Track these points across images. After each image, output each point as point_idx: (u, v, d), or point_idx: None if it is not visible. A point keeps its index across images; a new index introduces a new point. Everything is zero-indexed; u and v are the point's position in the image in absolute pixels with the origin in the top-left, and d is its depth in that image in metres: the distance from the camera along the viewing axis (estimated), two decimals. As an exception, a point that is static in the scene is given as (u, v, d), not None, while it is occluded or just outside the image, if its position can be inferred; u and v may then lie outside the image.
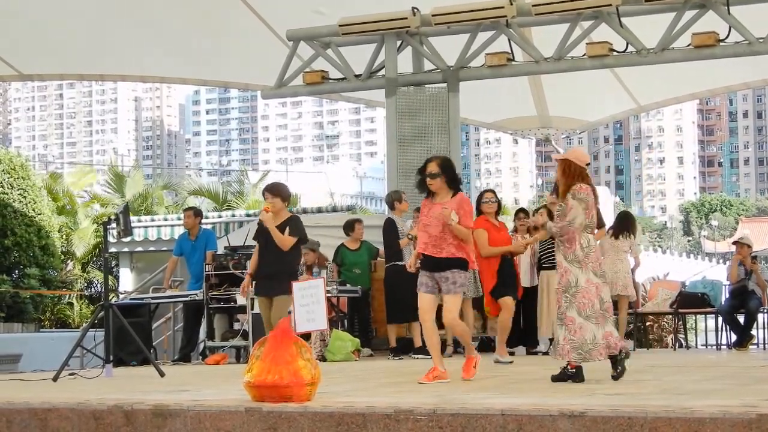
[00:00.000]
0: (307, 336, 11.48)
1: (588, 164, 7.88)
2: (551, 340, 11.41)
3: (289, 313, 10.81)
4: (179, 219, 19.30)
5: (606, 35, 14.00)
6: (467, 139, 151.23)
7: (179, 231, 17.97)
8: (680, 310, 14.29)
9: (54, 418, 6.43)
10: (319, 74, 15.32)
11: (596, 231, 11.42)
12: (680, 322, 14.87)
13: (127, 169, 42.11)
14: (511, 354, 11.27)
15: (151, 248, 21.62)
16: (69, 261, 30.30)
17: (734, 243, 14.36)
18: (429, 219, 8.08)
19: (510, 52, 14.48)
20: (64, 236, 30.15)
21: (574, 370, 7.65)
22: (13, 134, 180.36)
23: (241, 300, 12.29)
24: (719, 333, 14.39)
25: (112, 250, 21.91)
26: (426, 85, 14.89)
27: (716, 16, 13.36)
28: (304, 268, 13.06)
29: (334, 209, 21.70)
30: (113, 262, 24.99)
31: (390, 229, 12.61)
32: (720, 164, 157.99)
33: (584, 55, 14.12)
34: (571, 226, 7.68)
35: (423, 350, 11.11)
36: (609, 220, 13.19)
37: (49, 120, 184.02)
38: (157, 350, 14.04)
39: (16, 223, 26.43)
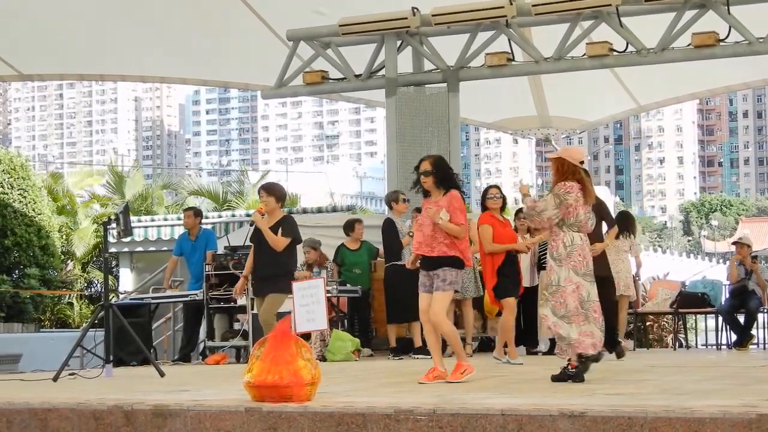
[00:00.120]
0: (307, 336, 11.49)
1: (582, 162, 7.88)
2: (552, 340, 11.42)
3: (288, 313, 10.82)
4: (179, 219, 19.30)
5: (606, 35, 14.00)
6: (467, 139, 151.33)
7: (179, 231, 17.97)
8: (680, 310, 14.30)
9: (54, 418, 6.43)
10: (319, 74, 15.32)
11: (609, 231, 11.53)
12: (680, 322, 14.87)
13: (127, 169, 42.10)
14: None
15: (151, 248, 21.61)
16: (69, 261, 30.29)
17: (734, 243, 14.36)
18: (423, 218, 8.13)
19: (510, 52, 14.48)
20: (64, 236, 30.15)
21: (574, 370, 7.66)
22: (13, 134, 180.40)
23: (241, 300, 12.29)
24: (719, 333, 14.39)
25: (112, 250, 21.90)
26: (426, 85, 14.89)
27: (716, 16, 13.35)
28: (305, 267, 13.07)
29: (334, 209, 21.69)
30: (113, 262, 24.99)
31: (389, 230, 12.62)
32: (720, 164, 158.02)
33: (584, 55, 14.12)
34: (538, 215, 7.76)
35: (423, 350, 11.12)
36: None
37: (49, 120, 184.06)
38: (157, 350, 14.05)
39: (16, 223, 26.43)
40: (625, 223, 13.12)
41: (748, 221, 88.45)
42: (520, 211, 12.96)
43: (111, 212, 27.41)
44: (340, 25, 14.72)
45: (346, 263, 13.42)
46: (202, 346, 13.62)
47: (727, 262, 15.74)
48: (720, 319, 14.23)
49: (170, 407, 6.20)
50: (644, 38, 13.73)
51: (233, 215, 22.41)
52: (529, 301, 12.27)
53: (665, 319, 16.37)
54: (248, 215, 10.46)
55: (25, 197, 26.98)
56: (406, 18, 14.46)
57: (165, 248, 19.54)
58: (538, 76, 16.82)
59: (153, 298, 13.60)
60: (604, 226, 11.36)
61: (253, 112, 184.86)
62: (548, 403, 5.76)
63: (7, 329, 23.78)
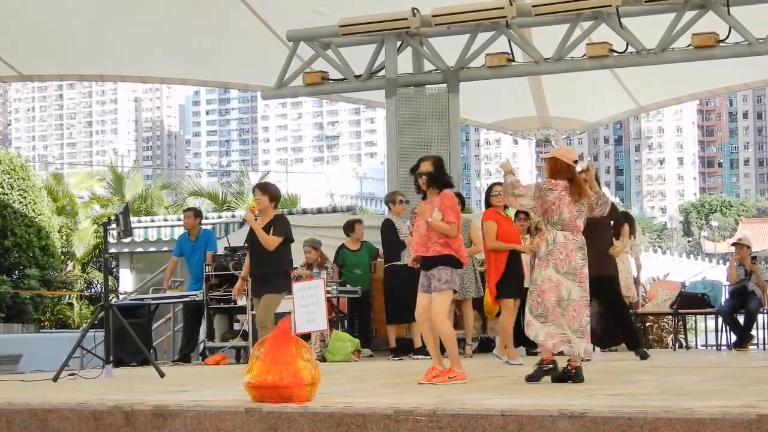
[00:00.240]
0: (307, 336, 11.49)
1: (576, 161, 7.92)
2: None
3: (288, 313, 10.82)
4: (179, 219, 19.30)
5: (606, 36, 14.00)
6: (467, 140, 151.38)
7: (179, 231, 17.97)
8: (680, 311, 14.28)
9: (54, 418, 6.43)
10: (319, 75, 15.32)
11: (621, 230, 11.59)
12: (680, 323, 14.87)
13: (127, 169, 42.10)
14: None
15: (151, 249, 21.62)
16: (69, 261, 30.30)
17: (733, 244, 14.35)
18: (419, 220, 8.16)
19: (510, 52, 14.48)
20: (64, 237, 30.16)
21: (574, 370, 7.67)
22: (13, 135, 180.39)
23: (240, 301, 12.29)
24: (719, 333, 14.38)
25: (112, 250, 21.90)
26: (426, 86, 14.89)
27: (716, 17, 13.36)
28: (305, 267, 13.07)
29: (334, 210, 21.68)
30: (113, 263, 24.99)
31: (388, 230, 12.62)
32: (720, 165, 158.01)
33: (584, 55, 14.12)
34: (513, 196, 7.94)
35: (423, 351, 11.11)
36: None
37: (49, 120, 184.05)
38: (157, 351, 14.05)
39: (16, 224, 26.44)
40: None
41: (748, 222, 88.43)
42: (520, 211, 12.96)
43: (111, 213, 27.41)
44: (340, 26, 14.73)
45: (347, 264, 13.41)
46: (202, 346, 13.63)
47: (727, 263, 15.73)
48: (720, 319, 14.23)
49: (170, 407, 6.20)
50: (644, 39, 13.73)
51: (233, 216, 22.40)
52: (529, 302, 12.25)
53: (665, 320, 16.36)
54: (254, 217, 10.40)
55: (25, 198, 26.98)
56: (406, 18, 14.46)
57: (165, 249, 19.55)
58: (538, 77, 16.83)
59: (153, 298, 13.60)
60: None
61: (253, 113, 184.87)
62: (548, 403, 5.76)
63: (7, 329, 23.80)
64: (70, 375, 9.52)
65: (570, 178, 7.86)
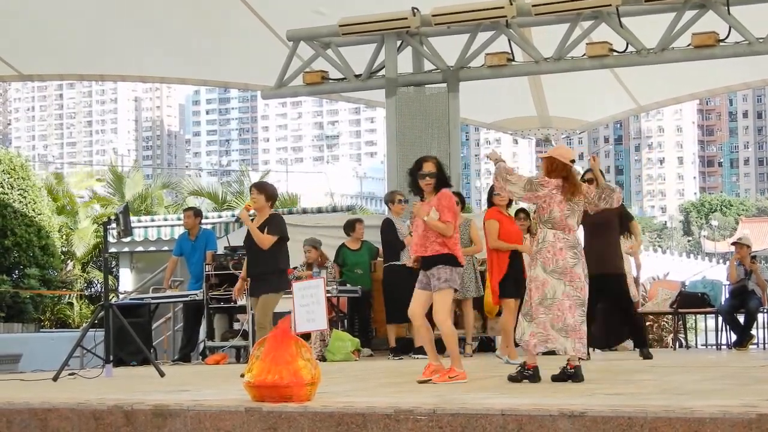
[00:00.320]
0: (307, 336, 11.49)
1: (573, 161, 7.95)
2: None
3: (288, 313, 10.83)
4: (179, 219, 19.30)
5: (606, 35, 14.00)
6: (467, 140, 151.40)
7: (179, 231, 17.97)
8: (680, 310, 14.28)
9: (54, 418, 6.43)
10: (319, 74, 15.32)
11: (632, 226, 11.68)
12: (680, 322, 14.87)
13: (127, 169, 42.09)
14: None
15: (151, 248, 21.62)
16: (69, 261, 30.30)
17: (733, 243, 14.35)
18: (418, 220, 8.17)
19: (510, 52, 14.48)
20: (64, 236, 30.16)
21: (573, 369, 7.69)
22: (13, 134, 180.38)
23: (241, 300, 12.29)
24: (719, 333, 14.38)
25: (112, 250, 21.90)
26: (426, 86, 14.89)
27: (716, 16, 13.35)
28: (305, 266, 13.06)
29: (334, 209, 21.68)
30: (113, 262, 24.99)
31: (388, 230, 12.62)
32: (720, 164, 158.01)
33: (584, 55, 14.12)
34: (504, 182, 7.92)
35: (423, 350, 11.09)
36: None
37: (49, 120, 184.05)
38: (157, 350, 14.05)
39: (16, 224, 26.43)
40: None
41: (747, 221, 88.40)
42: (520, 211, 12.98)
43: (111, 212, 27.42)
44: (340, 25, 14.72)
45: (348, 263, 13.41)
46: (202, 346, 13.63)
47: (727, 263, 15.74)
48: (720, 319, 14.23)
49: (170, 407, 6.20)
50: (644, 38, 13.73)
51: (233, 216, 22.38)
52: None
53: (665, 319, 16.36)
54: (248, 215, 10.37)
55: (25, 197, 26.98)
56: (406, 18, 14.46)
57: (165, 248, 19.55)
58: (538, 77, 16.82)
59: (153, 298, 13.60)
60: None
61: (253, 112, 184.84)
62: (548, 403, 5.76)
63: (7, 329, 23.79)
64: (70, 374, 9.52)
65: (565, 177, 7.87)
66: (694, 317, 15.93)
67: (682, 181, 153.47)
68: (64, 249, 29.86)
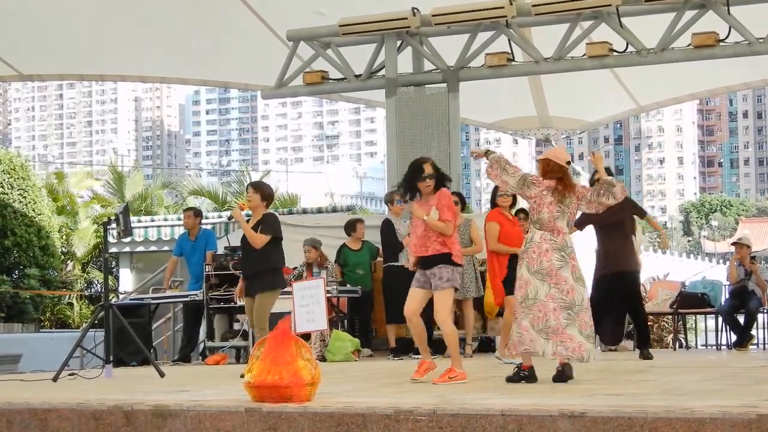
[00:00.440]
0: (307, 336, 11.49)
1: (568, 162, 7.96)
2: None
3: (288, 313, 10.81)
4: (179, 219, 19.30)
5: (606, 35, 14.00)
6: (467, 140, 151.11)
7: (179, 231, 17.97)
8: (680, 310, 14.29)
9: (54, 418, 6.43)
10: (319, 74, 15.32)
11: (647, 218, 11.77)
12: (680, 322, 14.87)
13: (127, 169, 42.09)
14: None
15: (152, 248, 21.62)
16: (69, 261, 30.31)
17: (733, 244, 14.36)
18: (416, 220, 8.19)
19: (510, 52, 14.48)
20: (64, 236, 30.16)
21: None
22: (13, 134, 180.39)
23: (241, 301, 12.28)
24: (719, 333, 14.38)
25: (112, 250, 21.90)
26: (426, 86, 14.88)
27: (716, 16, 13.35)
28: (305, 266, 13.06)
29: (334, 209, 21.68)
30: (113, 263, 24.99)
31: (387, 230, 12.62)
32: (720, 164, 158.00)
33: (584, 55, 14.12)
34: (501, 170, 7.92)
35: (423, 350, 11.11)
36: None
37: (49, 120, 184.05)
38: (157, 350, 14.05)
39: (16, 224, 26.45)
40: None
41: (748, 221, 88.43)
42: (520, 211, 12.98)
43: (111, 212, 27.42)
44: (340, 25, 14.72)
45: (349, 263, 13.40)
46: (202, 346, 13.63)
47: (727, 263, 15.74)
48: (720, 319, 14.23)
49: (170, 407, 6.20)
50: (644, 38, 13.73)
51: (229, 216, 22.36)
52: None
53: (665, 320, 16.36)
54: (248, 215, 10.36)
55: (25, 197, 26.99)
56: (406, 18, 14.46)
57: (165, 248, 19.54)
58: (538, 77, 16.82)
59: (153, 298, 13.60)
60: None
61: (253, 112, 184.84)
62: (548, 403, 5.76)
63: (7, 329, 23.80)
64: (70, 375, 9.52)
65: (560, 178, 7.89)
66: (694, 317, 15.93)
67: (682, 182, 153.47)
68: (64, 249, 29.87)
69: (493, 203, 11.05)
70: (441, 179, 8.19)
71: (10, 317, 25.65)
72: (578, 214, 9.20)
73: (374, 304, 13.56)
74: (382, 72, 14.95)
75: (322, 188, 67.22)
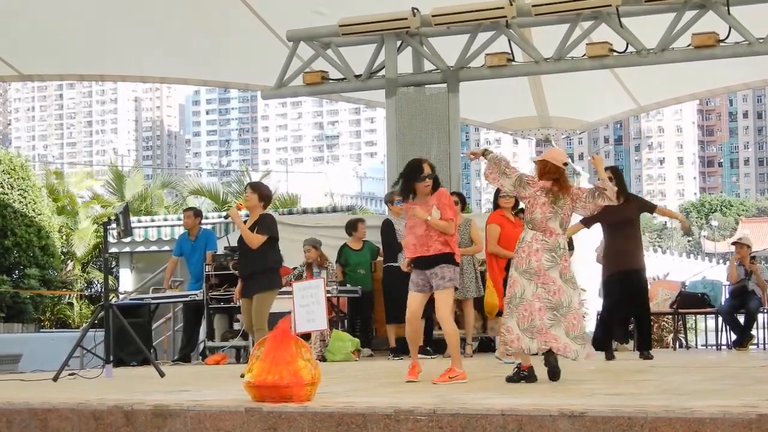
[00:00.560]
0: (307, 336, 11.49)
1: (566, 164, 7.98)
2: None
3: (288, 313, 10.80)
4: (179, 219, 19.31)
5: (606, 35, 13.99)
6: (467, 140, 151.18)
7: (179, 231, 17.97)
8: (680, 310, 14.29)
9: (54, 418, 6.43)
10: (319, 74, 15.32)
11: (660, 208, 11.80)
12: (680, 322, 14.87)
13: (127, 169, 42.09)
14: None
15: (152, 248, 21.62)
16: (69, 261, 30.31)
17: (733, 243, 14.36)
18: (413, 220, 8.17)
19: (510, 52, 14.47)
20: (64, 236, 30.17)
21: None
22: (13, 134, 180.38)
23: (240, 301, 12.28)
24: (719, 333, 14.38)
25: (112, 250, 21.90)
26: (426, 86, 14.88)
27: (716, 17, 13.35)
28: (305, 266, 13.06)
29: (334, 209, 21.68)
30: (113, 263, 25.00)
31: (387, 230, 12.62)
32: (720, 164, 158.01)
33: (584, 55, 14.12)
34: (498, 167, 7.96)
35: (423, 350, 11.11)
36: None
37: (49, 120, 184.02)
38: (157, 350, 14.06)
39: (16, 224, 26.45)
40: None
41: (748, 222, 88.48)
42: (521, 212, 12.98)
43: (111, 212, 27.42)
44: (340, 26, 14.72)
45: (351, 263, 13.40)
46: (202, 346, 13.63)
47: (727, 263, 15.74)
48: (720, 319, 14.23)
49: (170, 407, 6.20)
50: (644, 38, 13.73)
51: (226, 216, 22.37)
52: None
53: (665, 320, 16.35)
54: (247, 215, 10.36)
55: (25, 197, 26.99)
56: (406, 18, 14.45)
57: (165, 248, 19.56)
58: (538, 77, 16.81)
59: (153, 298, 13.60)
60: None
61: (253, 113, 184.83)
62: (548, 403, 5.76)
63: (7, 329, 23.80)
64: (70, 375, 9.52)
65: (556, 179, 7.90)
66: (694, 317, 15.94)
67: (682, 182, 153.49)
68: (64, 249, 29.88)
69: (496, 204, 11.05)
70: (437, 180, 8.22)
71: (10, 317, 25.65)
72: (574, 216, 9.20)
73: (374, 304, 13.56)
74: (382, 72, 14.94)
75: (322, 188, 67.20)
